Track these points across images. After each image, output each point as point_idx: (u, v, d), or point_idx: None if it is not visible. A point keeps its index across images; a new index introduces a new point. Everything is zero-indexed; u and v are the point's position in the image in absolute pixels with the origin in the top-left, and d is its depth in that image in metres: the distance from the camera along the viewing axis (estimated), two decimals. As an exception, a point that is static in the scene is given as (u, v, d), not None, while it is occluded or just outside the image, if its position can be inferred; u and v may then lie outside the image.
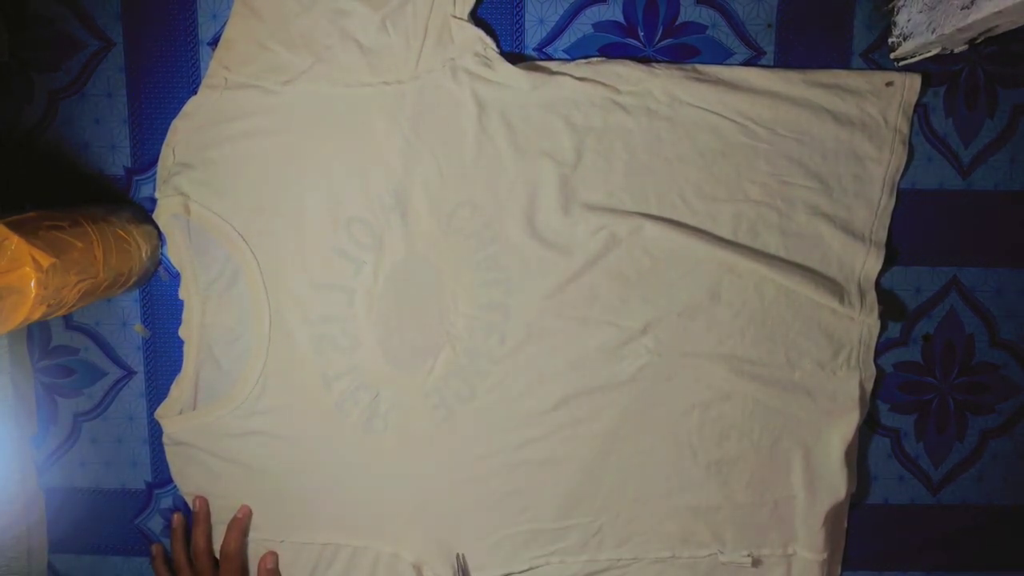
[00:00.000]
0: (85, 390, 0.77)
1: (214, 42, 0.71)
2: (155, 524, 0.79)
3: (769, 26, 0.72)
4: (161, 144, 0.71)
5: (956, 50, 0.68)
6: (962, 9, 0.61)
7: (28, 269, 0.57)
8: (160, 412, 0.74)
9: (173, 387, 0.74)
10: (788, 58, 0.72)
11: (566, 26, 0.72)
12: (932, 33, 0.65)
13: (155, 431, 0.76)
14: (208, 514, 0.75)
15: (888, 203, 0.72)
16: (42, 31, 0.72)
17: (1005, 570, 0.80)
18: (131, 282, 0.71)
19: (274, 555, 0.75)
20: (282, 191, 0.71)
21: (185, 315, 0.73)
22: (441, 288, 0.72)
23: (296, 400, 0.73)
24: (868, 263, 0.72)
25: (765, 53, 0.72)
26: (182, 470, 0.75)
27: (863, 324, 0.73)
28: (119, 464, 0.78)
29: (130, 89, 0.73)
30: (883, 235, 0.73)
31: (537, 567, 0.75)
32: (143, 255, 0.71)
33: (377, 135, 0.70)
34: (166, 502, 0.78)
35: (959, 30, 0.62)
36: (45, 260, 0.57)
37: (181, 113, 0.71)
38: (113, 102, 0.73)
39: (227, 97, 0.70)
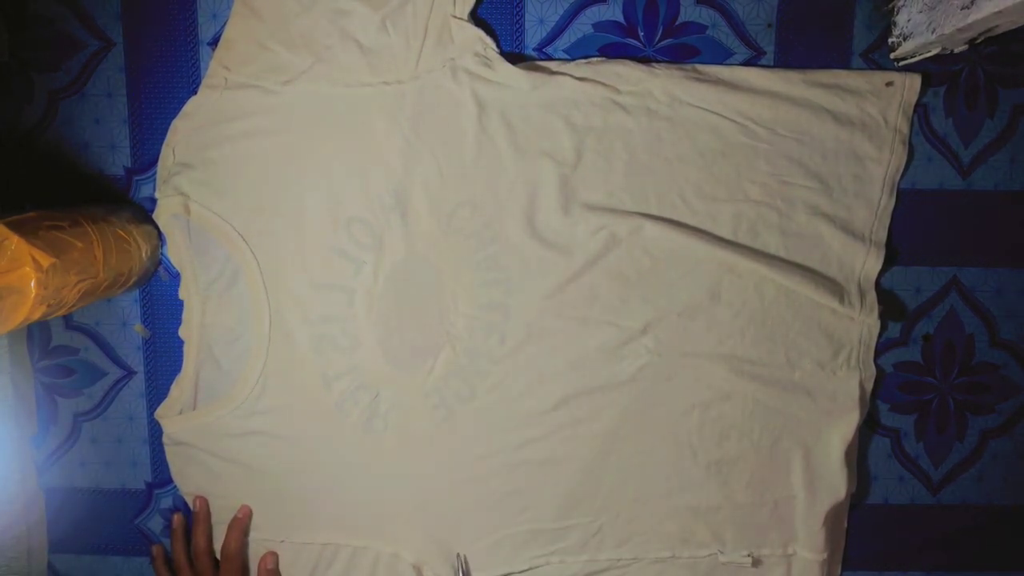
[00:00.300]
0: (85, 390, 0.77)
1: (214, 42, 0.71)
2: (155, 524, 0.79)
3: (769, 26, 0.72)
4: (161, 144, 0.71)
5: (956, 50, 0.68)
6: (962, 9, 0.61)
7: (28, 269, 0.57)
8: (160, 412, 0.74)
9: (173, 387, 0.74)
10: (788, 58, 0.72)
11: (566, 26, 0.72)
12: (932, 33, 0.65)
13: (155, 431, 0.76)
14: (208, 514, 0.75)
15: (888, 203, 0.72)
16: (42, 31, 0.72)
17: (1005, 570, 0.80)
18: (131, 282, 0.71)
19: (274, 555, 0.75)
20: (282, 191, 0.71)
21: (185, 315, 0.73)
22: (441, 288, 0.72)
23: (296, 400, 0.73)
24: (868, 263, 0.72)
25: (765, 53, 0.72)
26: (182, 470, 0.75)
27: (863, 324, 0.73)
28: (119, 464, 0.78)
29: (130, 89, 0.73)
30: (883, 235, 0.73)
31: (537, 567, 0.75)
32: (143, 255, 0.71)
33: (377, 135, 0.70)
34: (166, 502, 0.78)
35: (959, 30, 0.62)
36: (45, 260, 0.57)
37: (181, 113, 0.71)
38: (113, 102, 0.73)
39: (227, 97, 0.70)
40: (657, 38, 0.72)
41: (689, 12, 0.72)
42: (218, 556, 0.75)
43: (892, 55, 0.71)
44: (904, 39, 0.69)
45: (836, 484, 0.74)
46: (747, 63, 0.72)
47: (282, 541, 0.75)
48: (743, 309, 0.72)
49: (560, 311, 0.72)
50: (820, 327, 0.72)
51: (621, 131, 0.71)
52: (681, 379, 0.73)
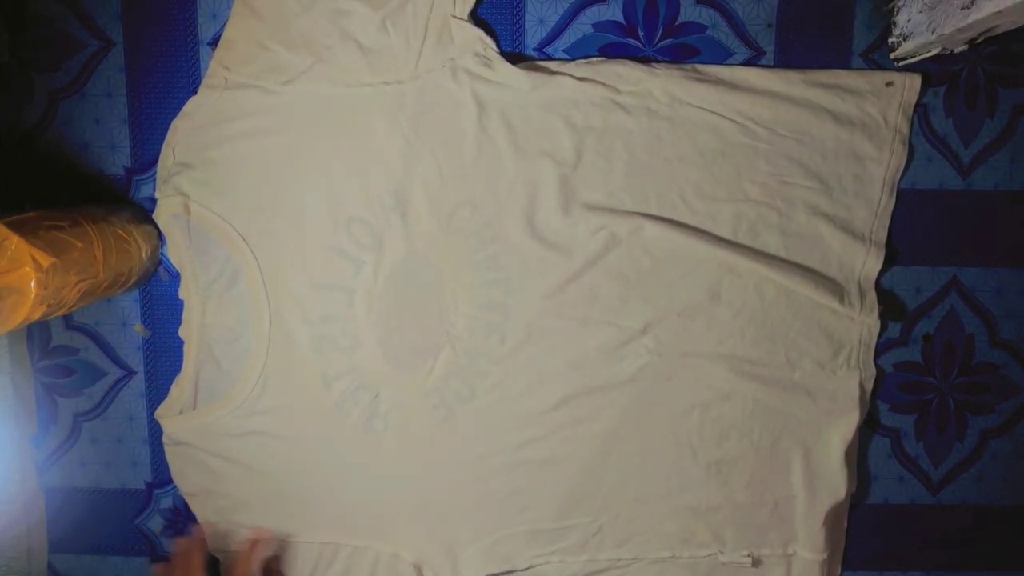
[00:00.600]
0: (85, 390, 0.77)
1: (214, 42, 0.71)
2: (155, 524, 0.79)
3: (769, 26, 0.72)
4: (161, 144, 0.71)
5: (956, 50, 0.68)
6: (962, 9, 0.61)
7: (28, 269, 0.57)
8: (160, 412, 0.74)
9: (173, 387, 0.74)
10: (788, 58, 0.72)
11: (566, 26, 0.72)
12: (932, 33, 0.65)
13: (155, 431, 0.76)
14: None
15: (888, 203, 0.72)
16: (42, 31, 0.72)
17: (1005, 570, 0.80)
18: (131, 282, 0.71)
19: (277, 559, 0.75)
20: (282, 191, 0.71)
21: (185, 315, 0.73)
22: (441, 288, 0.72)
23: (296, 400, 0.73)
24: (868, 263, 0.72)
25: (765, 53, 0.72)
26: (182, 470, 0.75)
27: (863, 324, 0.73)
28: (119, 464, 0.78)
29: (130, 89, 0.73)
30: (883, 235, 0.73)
31: (537, 566, 0.75)
32: (143, 255, 0.71)
33: (377, 135, 0.70)
34: (166, 502, 0.78)
35: (959, 30, 0.62)
36: (45, 260, 0.57)
37: (181, 113, 0.71)
38: (113, 102, 0.73)
39: (227, 97, 0.70)
40: (657, 38, 0.72)
41: (689, 12, 0.72)
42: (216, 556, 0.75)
43: (892, 55, 0.71)
44: (904, 39, 0.69)
45: (836, 484, 0.74)
46: (747, 63, 0.72)
47: (281, 541, 0.75)
48: (743, 309, 0.72)
49: (560, 311, 0.72)
50: (820, 327, 0.72)
51: (621, 131, 0.71)
52: (681, 379, 0.73)
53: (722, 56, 0.72)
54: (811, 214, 0.72)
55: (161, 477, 0.77)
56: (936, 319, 0.76)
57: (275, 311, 0.72)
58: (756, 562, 0.75)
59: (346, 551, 0.75)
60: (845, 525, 0.77)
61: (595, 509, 0.74)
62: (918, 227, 0.74)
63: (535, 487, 0.74)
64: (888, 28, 0.71)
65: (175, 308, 0.74)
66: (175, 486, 0.76)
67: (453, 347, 0.72)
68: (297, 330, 0.72)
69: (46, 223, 0.60)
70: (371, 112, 0.70)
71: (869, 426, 0.77)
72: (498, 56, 0.70)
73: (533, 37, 0.72)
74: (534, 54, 0.72)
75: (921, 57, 0.70)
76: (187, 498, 0.76)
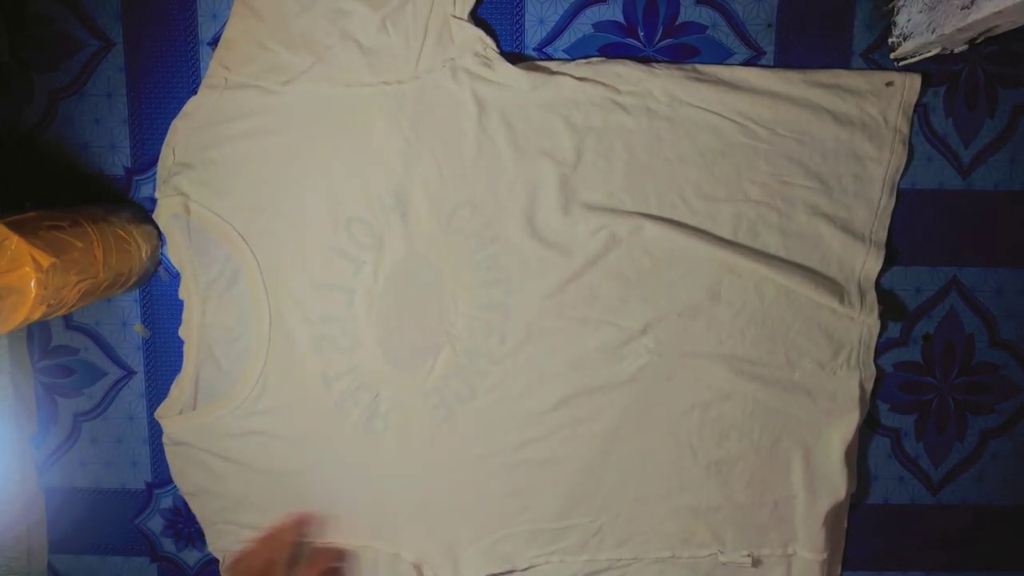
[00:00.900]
0: (85, 390, 0.77)
1: (214, 42, 0.71)
2: (155, 524, 0.79)
3: (769, 26, 0.72)
4: (161, 144, 0.71)
5: (956, 50, 0.68)
6: (962, 9, 0.61)
7: (28, 269, 0.57)
8: (160, 412, 0.74)
9: (173, 387, 0.74)
10: (788, 58, 0.72)
11: (566, 26, 0.72)
12: (932, 33, 0.65)
13: (155, 431, 0.76)
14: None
15: (888, 203, 0.72)
16: (42, 31, 0.72)
17: (1005, 570, 0.80)
18: (131, 282, 0.71)
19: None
20: (282, 191, 0.71)
21: (185, 315, 0.73)
22: (441, 288, 0.72)
23: (296, 400, 0.73)
24: (868, 263, 0.72)
25: (765, 53, 0.72)
26: (182, 470, 0.75)
27: (863, 324, 0.73)
28: (119, 464, 0.78)
29: (130, 89, 0.73)
30: (883, 235, 0.73)
31: (537, 566, 0.75)
32: (143, 255, 0.71)
33: (377, 135, 0.70)
34: (166, 502, 0.78)
35: (959, 30, 0.62)
36: (45, 260, 0.57)
37: (181, 113, 0.71)
38: (113, 102, 0.73)
39: (227, 97, 0.70)
40: (657, 38, 0.72)
41: (689, 12, 0.72)
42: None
43: (892, 55, 0.71)
44: (904, 39, 0.69)
45: (836, 484, 0.74)
46: (747, 63, 0.72)
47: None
48: (743, 309, 0.72)
49: (560, 311, 0.72)
50: (820, 327, 0.72)
51: (621, 131, 0.71)
52: (681, 379, 0.73)
53: (722, 56, 0.72)
54: (811, 214, 0.72)
55: (161, 477, 0.77)
56: (936, 319, 0.76)
57: (275, 311, 0.72)
58: (756, 562, 0.75)
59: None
60: (845, 525, 0.77)
61: (595, 509, 0.74)
62: (918, 227, 0.74)
63: (535, 487, 0.74)
64: (888, 28, 0.71)
65: (175, 308, 0.74)
66: (175, 486, 0.76)
67: (453, 347, 0.72)
68: (297, 330, 0.72)
69: (46, 223, 0.60)
70: (371, 112, 0.70)
71: (869, 426, 0.77)
72: (498, 56, 0.70)
73: (533, 37, 0.72)
74: (534, 54, 0.72)
75: (921, 57, 0.70)
76: (187, 498, 0.76)
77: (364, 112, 0.70)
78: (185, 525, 0.78)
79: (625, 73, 0.70)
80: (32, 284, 0.57)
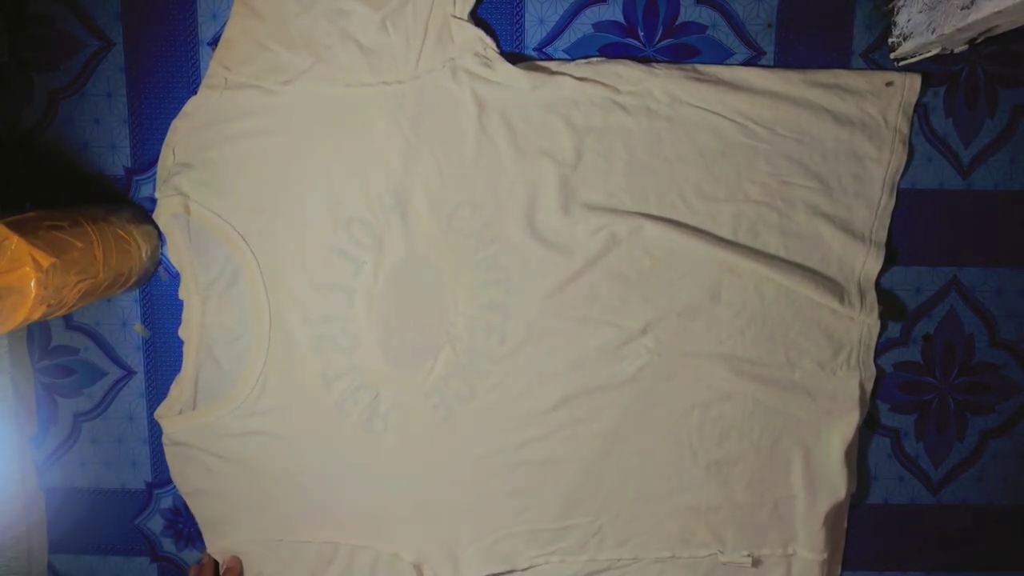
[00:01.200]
0: (85, 390, 0.77)
1: (214, 42, 0.71)
2: (155, 524, 0.79)
3: (769, 26, 0.72)
4: (161, 144, 0.71)
5: (956, 50, 0.68)
6: (962, 9, 0.61)
7: (28, 269, 0.57)
8: (160, 412, 0.74)
9: (173, 387, 0.74)
10: (788, 58, 0.72)
11: (566, 26, 0.72)
12: (932, 33, 0.65)
13: (155, 431, 0.76)
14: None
15: (888, 203, 0.72)
16: (42, 31, 0.72)
17: (1005, 570, 0.80)
18: (131, 282, 0.71)
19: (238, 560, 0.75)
20: (282, 191, 0.71)
21: (185, 315, 0.73)
22: (441, 288, 0.72)
23: (296, 400, 0.73)
24: (868, 263, 0.72)
25: (765, 53, 0.72)
26: (182, 470, 0.75)
27: (863, 324, 0.73)
28: (119, 464, 0.78)
29: (130, 89, 0.73)
30: (883, 235, 0.73)
31: (537, 566, 0.75)
32: (143, 255, 0.71)
33: (377, 135, 0.70)
34: (166, 502, 0.78)
35: (959, 30, 0.62)
36: (45, 260, 0.57)
37: (181, 113, 0.71)
38: (113, 102, 0.73)
39: (227, 97, 0.70)
40: (657, 38, 0.72)
41: (689, 12, 0.72)
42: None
43: (892, 55, 0.71)
44: (904, 39, 0.69)
45: (836, 484, 0.74)
46: (747, 63, 0.72)
47: (280, 540, 0.75)
48: (743, 309, 0.72)
49: (560, 311, 0.72)
50: (820, 327, 0.72)
51: (621, 131, 0.71)
52: (681, 379, 0.73)
53: (722, 56, 0.72)
54: (811, 214, 0.72)
55: (161, 477, 0.77)
56: (936, 319, 0.76)
57: (275, 311, 0.72)
58: (756, 562, 0.75)
59: (346, 550, 0.75)
60: (845, 525, 0.77)
61: (595, 509, 0.74)
62: (918, 227, 0.74)
63: (535, 487, 0.74)
64: (888, 28, 0.71)
65: (175, 308, 0.74)
66: (175, 486, 0.76)
67: (453, 347, 0.72)
68: (297, 330, 0.72)
69: (46, 223, 0.60)
70: (371, 112, 0.70)
71: (869, 426, 0.77)
72: (498, 56, 0.70)
73: (533, 37, 0.72)
74: (534, 54, 0.72)
75: (921, 57, 0.70)
76: (187, 498, 0.76)
77: (364, 112, 0.70)
78: (185, 525, 0.78)
79: (625, 73, 0.70)
80: (32, 284, 0.57)
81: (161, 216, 0.72)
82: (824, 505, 0.74)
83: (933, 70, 0.72)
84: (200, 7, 0.72)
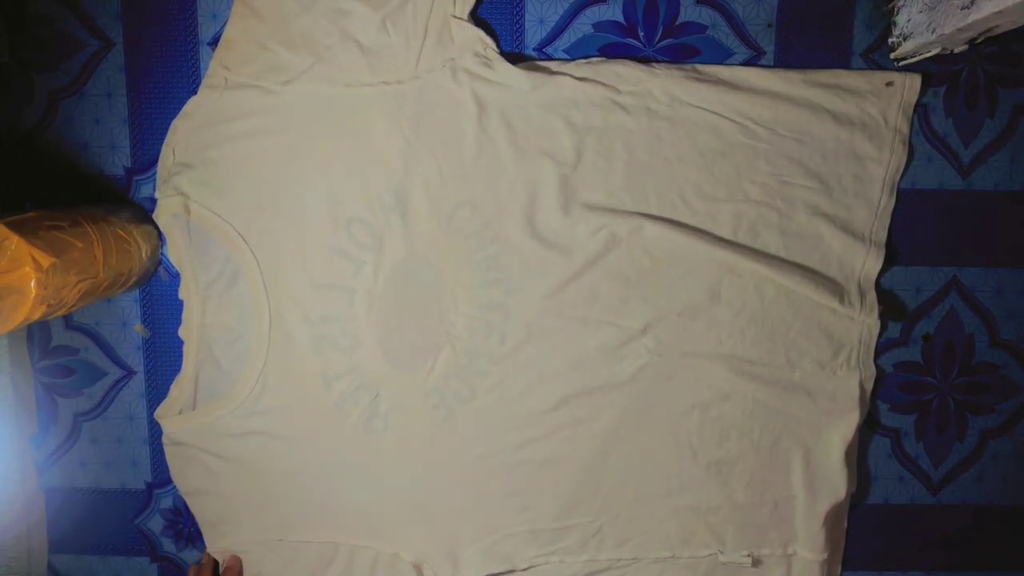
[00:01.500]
0: (85, 390, 0.77)
1: (214, 42, 0.71)
2: (155, 524, 0.79)
3: (769, 26, 0.72)
4: (161, 144, 0.71)
5: (956, 50, 0.68)
6: (962, 9, 0.61)
7: (28, 269, 0.57)
8: (160, 412, 0.74)
9: (173, 387, 0.74)
10: (788, 58, 0.72)
11: (566, 26, 0.72)
12: (932, 33, 0.65)
13: (155, 431, 0.76)
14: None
15: (888, 203, 0.72)
16: (42, 31, 0.72)
17: (1005, 570, 0.80)
18: (131, 282, 0.71)
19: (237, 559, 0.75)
20: (282, 191, 0.71)
21: (185, 315, 0.73)
22: (441, 288, 0.72)
23: (296, 400, 0.73)
24: (868, 263, 0.72)
25: (765, 53, 0.72)
26: (182, 470, 0.75)
27: (863, 324, 0.73)
28: (119, 464, 0.78)
29: (130, 89, 0.73)
30: (883, 235, 0.73)
31: (537, 566, 0.75)
32: (143, 255, 0.71)
33: (377, 135, 0.70)
34: (166, 502, 0.78)
35: (959, 30, 0.62)
36: (45, 260, 0.57)
37: (181, 113, 0.71)
38: (113, 102, 0.73)
39: (227, 97, 0.70)
40: (657, 38, 0.72)
41: (689, 12, 0.72)
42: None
43: (892, 55, 0.71)
44: (904, 39, 0.69)
45: (836, 484, 0.74)
46: (747, 63, 0.72)
47: (280, 540, 0.75)
48: (743, 309, 0.72)
49: (560, 311, 0.72)
50: (820, 327, 0.72)
51: (621, 131, 0.71)
52: (681, 379, 0.73)
53: (722, 56, 0.72)
54: (811, 214, 0.72)
55: (161, 477, 0.77)
56: (936, 319, 0.76)
57: (275, 311, 0.72)
58: (756, 562, 0.75)
59: (345, 550, 0.75)
60: (845, 525, 0.77)
61: (595, 509, 0.74)
62: (918, 227, 0.74)
63: (535, 487, 0.74)
64: (888, 28, 0.71)
65: (175, 308, 0.74)
66: (175, 486, 0.76)
67: (453, 347, 0.72)
68: (297, 330, 0.72)
69: (46, 223, 0.60)
70: (371, 112, 0.70)
71: (869, 426, 0.77)
72: (498, 56, 0.70)
73: (533, 37, 0.72)
74: (534, 54, 0.72)
75: (921, 57, 0.70)
76: (187, 498, 0.76)
77: (364, 112, 0.70)
78: (185, 525, 0.78)
79: (625, 73, 0.70)
80: (32, 284, 0.57)
81: (161, 216, 0.72)
82: (824, 505, 0.74)
83: (933, 70, 0.72)
84: (200, 7, 0.72)
